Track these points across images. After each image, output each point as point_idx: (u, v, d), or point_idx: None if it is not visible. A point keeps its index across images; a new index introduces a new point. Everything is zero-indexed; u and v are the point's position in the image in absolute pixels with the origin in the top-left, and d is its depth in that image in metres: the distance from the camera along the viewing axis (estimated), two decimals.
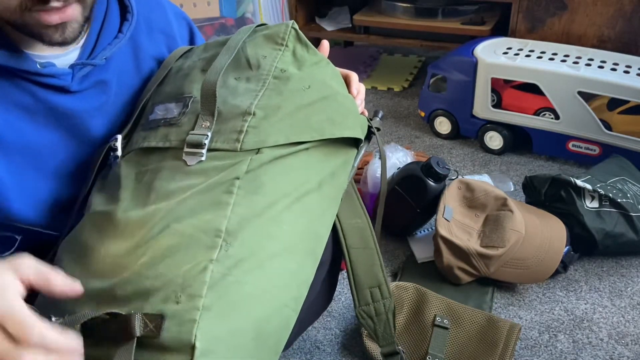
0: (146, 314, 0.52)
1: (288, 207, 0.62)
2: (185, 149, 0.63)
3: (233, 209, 0.58)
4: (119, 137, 0.69)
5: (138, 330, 0.51)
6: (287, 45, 0.71)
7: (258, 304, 0.57)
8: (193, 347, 0.51)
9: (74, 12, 0.60)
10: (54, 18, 0.58)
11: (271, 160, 0.63)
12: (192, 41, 0.87)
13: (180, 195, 0.59)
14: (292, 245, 0.62)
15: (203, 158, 0.62)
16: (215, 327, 0.53)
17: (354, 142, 0.74)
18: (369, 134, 0.80)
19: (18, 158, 0.65)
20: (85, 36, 0.68)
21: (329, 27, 2.03)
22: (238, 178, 0.60)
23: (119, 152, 0.68)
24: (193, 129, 0.64)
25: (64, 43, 0.62)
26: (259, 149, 0.63)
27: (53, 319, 0.53)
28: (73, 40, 0.62)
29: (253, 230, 0.58)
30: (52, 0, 0.56)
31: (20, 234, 0.69)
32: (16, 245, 0.69)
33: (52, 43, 0.61)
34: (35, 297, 0.60)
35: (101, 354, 0.53)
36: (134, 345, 0.51)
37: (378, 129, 0.82)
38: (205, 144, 0.62)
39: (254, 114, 0.64)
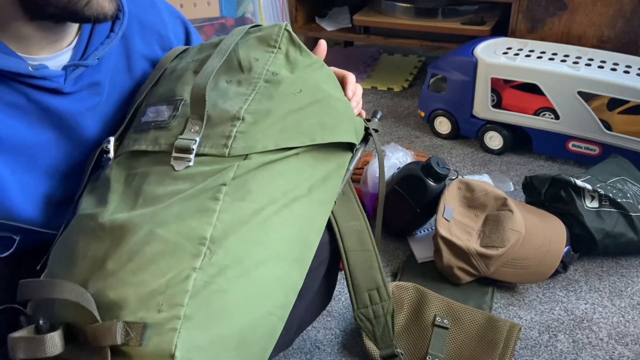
0: (128, 322, 0.52)
1: (276, 213, 0.62)
2: (174, 154, 0.62)
3: (219, 216, 0.58)
4: (112, 139, 0.69)
5: (119, 338, 0.51)
6: (279, 48, 0.71)
7: (242, 312, 0.57)
8: (173, 357, 0.51)
9: None
10: None
11: (259, 166, 0.62)
12: (188, 41, 0.86)
13: (166, 201, 0.59)
14: (279, 252, 0.61)
15: (191, 163, 0.62)
16: (196, 337, 0.53)
17: (349, 146, 0.74)
18: (367, 135, 0.79)
19: (13, 157, 0.65)
20: (77, 37, 0.68)
21: (329, 27, 2.03)
22: (225, 184, 0.60)
23: (111, 154, 0.68)
24: (182, 133, 0.64)
25: (112, 14, 0.64)
26: (247, 155, 0.62)
27: (41, 321, 0.54)
28: (116, 10, 0.65)
29: (239, 237, 0.58)
30: None
31: (19, 234, 0.69)
32: (15, 245, 0.69)
33: (106, 16, 0.63)
34: (26, 303, 0.60)
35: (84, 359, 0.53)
36: (108, 353, 0.51)
37: (376, 130, 0.81)
38: (193, 149, 0.62)
39: (243, 119, 0.63)
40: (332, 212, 0.81)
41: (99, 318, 0.53)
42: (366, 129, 0.79)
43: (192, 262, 0.55)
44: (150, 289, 0.54)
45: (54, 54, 0.66)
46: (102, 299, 0.54)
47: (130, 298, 0.54)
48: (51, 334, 0.52)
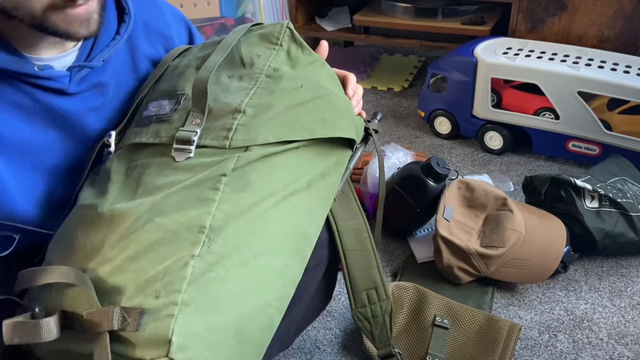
0: (125, 308, 0.52)
1: (275, 205, 0.62)
2: (174, 145, 0.63)
3: (218, 206, 0.58)
4: (113, 133, 0.69)
5: (116, 324, 0.51)
6: (281, 45, 0.71)
7: (239, 301, 0.57)
8: (169, 342, 0.51)
9: (94, 5, 0.61)
10: (80, 11, 0.59)
11: (259, 158, 0.62)
12: (191, 42, 0.87)
13: (166, 191, 0.59)
14: (278, 243, 0.62)
15: (191, 154, 0.62)
16: (194, 323, 0.53)
17: (349, 143, 0.74)
18: (367, 136, 0.80)
19: (16, 157, 0.65)
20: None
21: (329, 27, 2.03)
22: (225, 175, 0.60)
23: (112, 148, 0.68)
24: (183, 125, 0.64)
25: (89, 36, 0.63)
26: (247, 147, 0.62)
27: (37, 309, 0.54)
28: (96, 32, 0.63)
29: (238, 227, 0.58)
30: None
31: (19, 233, 0.69)
32: (14, 244, 0.69)
33: (78, 38, 0.62)
34: (24, 293, 0.61)
35: (80, 346, 0.54)
36: (107, 338, 0.51)
37: (376, 131, 0.81)
38: (194, 140, 0.62)
39: (244, 112, 0.64)
40: (331, 212, 0.82)
41: (97, 300, 0.53)
42: (366, 129, 0.79)
43: (190, 249, 0.55)
44: (148, 276, 0.54)
45: (59, 55, 0.66)
46: (99, 285, 0.54)
47: (128, 284, 0.54)
48: (46, 319, 0.53)
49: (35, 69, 0.63)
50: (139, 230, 0.57)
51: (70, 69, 0.66)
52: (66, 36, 0.61)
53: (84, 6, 0.60)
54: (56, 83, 0.65)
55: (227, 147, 0.62)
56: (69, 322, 0.54)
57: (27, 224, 0.68)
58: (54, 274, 0.55)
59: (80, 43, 0.68)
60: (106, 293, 0.54)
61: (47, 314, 0.54)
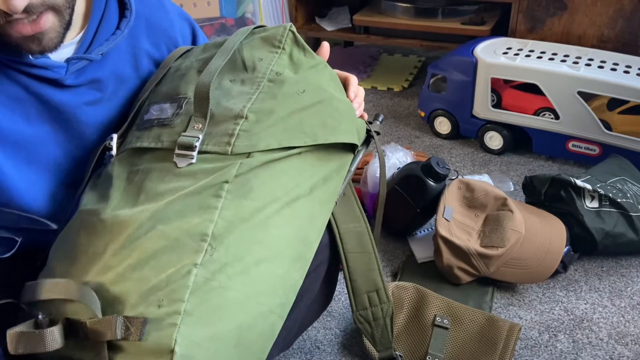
0: (127, 317, 0.52)
1: (277, 212, 0.62)
2: (176, 151, 0.62)
3: (220, 213, 0.58)
4: (114, 136, 0.69)
5: (119, 333, 0.51)
6: (284, 48, 0.71)
7: (241, 309, 0.57)
8: (172, 352, 0.51)
9: (48, 23, 0.59)
10: (26, 30, 0.58)
11: (262, 165, 0.62)
12: (194, 42, 0.86)
13: (168, 197, 0.59)
14: (280, 250, 0.61)
15: (193, 160, 0.62)
16: (196, 333, 0.53)
17: (350, 147, 0.74)
18: (368, 138, 0.80)
19: (12, 149, 0.65)
20: (82, 32, 0.68)
21: (329, 27, 2.03)
22: (227, 182, 0.60)
23: (114, 152, 0.68)
24: (185, 130, 0.64)
25: (43, 52, 0.61)
26: (249, 153, 0.62)
27: (40, 316, 0.54)
28: (53, 48, 0.62)
29: (240, 235, 0.58)
30: (16, 14, 0.55)
31: (20, 236, 0.69)
32: (16, 247, 0.69)
33: (32, 53, 0.61)
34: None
35: (83, 354, 0.54)
36: (105, 347, 0.52)
37: (378, 133, 0.81)
38: (196, 146, 0.62)
39: (246, 118, 0.63)
40: (332, 214, 0.82)
41: (100, 315, 0.53)
42: (368, 130, 0.79)
43: (193, 258, 0.55)
44: (150, 284, 0.54)
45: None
46: (102, 294, 0.54)
47: (130, 293, 0.54)
48: (51, 328, 0.53)
49: (31, 57, 0.62)
50: (141, 237, 0.56)
51: (67, 60, 0.66)
52: (21, 49, 0.60)
53: (31, 25, 0.58)
54: (52, 73, 0.65)
55: (229, 153, 0.62)
56: (73, 330, 0.54)
57: (29, 213, 0.67)
58: (58, 288, 0.55)
59: (79, 36, 0.68)
60: (109, 301, 0.54)
61: (51, 322, 0.54)
